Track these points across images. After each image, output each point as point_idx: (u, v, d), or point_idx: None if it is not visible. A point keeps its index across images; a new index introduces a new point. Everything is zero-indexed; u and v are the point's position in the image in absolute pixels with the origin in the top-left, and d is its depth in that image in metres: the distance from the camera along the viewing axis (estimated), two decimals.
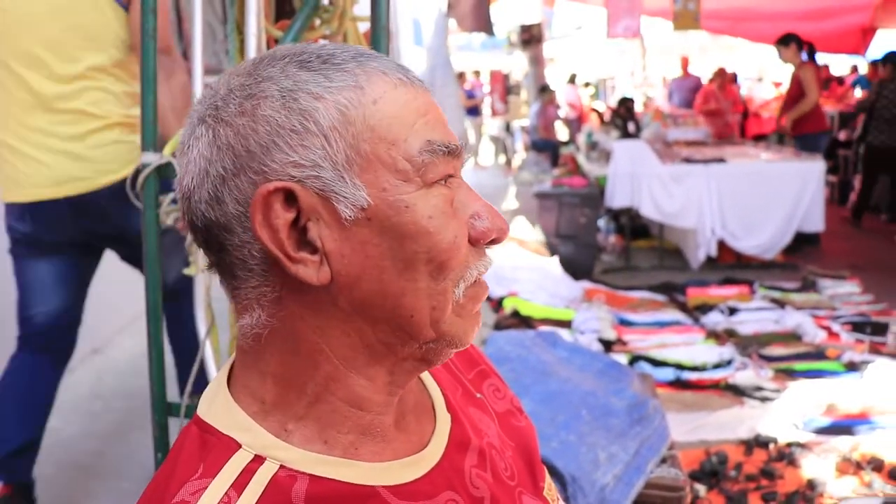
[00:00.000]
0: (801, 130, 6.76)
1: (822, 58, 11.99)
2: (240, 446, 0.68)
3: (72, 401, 3.67)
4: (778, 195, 5.81)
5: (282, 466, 0.67)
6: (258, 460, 0.67)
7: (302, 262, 0.66)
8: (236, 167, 0.66)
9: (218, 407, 0.72)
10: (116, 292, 4.47)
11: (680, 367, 3.82)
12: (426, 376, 0.85)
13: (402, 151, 0.67)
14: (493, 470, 0.81)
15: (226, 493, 0.64)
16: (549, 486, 0.90)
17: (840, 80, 12.09)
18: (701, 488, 2.74)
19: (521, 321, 4.43)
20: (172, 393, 1.70)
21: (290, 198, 0.65)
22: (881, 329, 4.25)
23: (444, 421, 0.81)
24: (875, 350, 4.02)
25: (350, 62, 0.68)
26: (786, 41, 6.77)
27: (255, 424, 0.70)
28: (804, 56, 6.87)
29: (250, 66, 0.70)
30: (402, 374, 0.74)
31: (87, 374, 3.97)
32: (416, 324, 0.69)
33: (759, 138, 8.99)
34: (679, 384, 3.71)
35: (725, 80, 10.24)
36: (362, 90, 0.67)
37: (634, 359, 3.92)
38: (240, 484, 0.65)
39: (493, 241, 0.73)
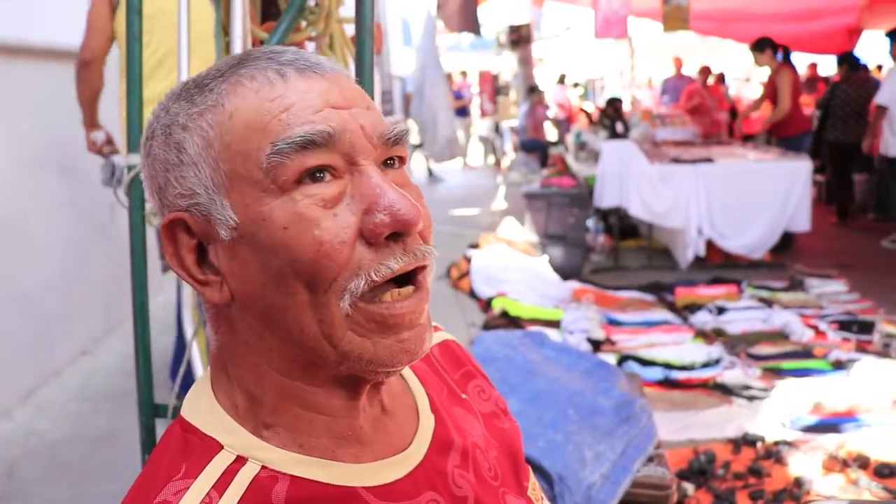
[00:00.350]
0: (783, 133, 6.79)
1: (810, 58, 12.09)
2: (222, 447, 0.68)
3: (60, 403, 3.65)
4: (766, 195, 5.84)
5: (263, 467, 0.68)
6: (240, 461, 0.68)
7: (208, 283, 0.69)
8: (157, 202, 0.72)
9: (200, 408, 0.72)
10: (105, 294, 4.46)
11: (668, 366, 3.84)
12: (410, 376, 0.85)
13: (254, 162, 0.65)
14: (477, 470, 0.81)
15: (207, 494, 0.65)
16: (534, 486, 0.90)
17: (826, 80, 12.15)
18: (689, 487, 2.76)
19: (510, 321, 4.44)
20: (160, 395, 1.70)
21: (189, 226, 0.69)
22: (868, 328, 4.28)
23: (427, 421, 0.80)
24: (861, 349, 4.05)
25: (217, 79, 0.68)
26: (761, 46, 6.76)
27: (236, 426, 0.70)
28: (780, 58, 6.90)
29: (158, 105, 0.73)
30: (350, 383, 0.71)
31: (75, 376, 3.96)
32: (309, 339, 0.66)
33: (747, 138, 9.00)
34: (667, 383, 3.72)
35: (709, 77, 10.26)
36: (222, 108, 0.66)
37: (623, 358, 3.93)
38: (222, 484, 0.66)
39: (399, 234, 0.66)
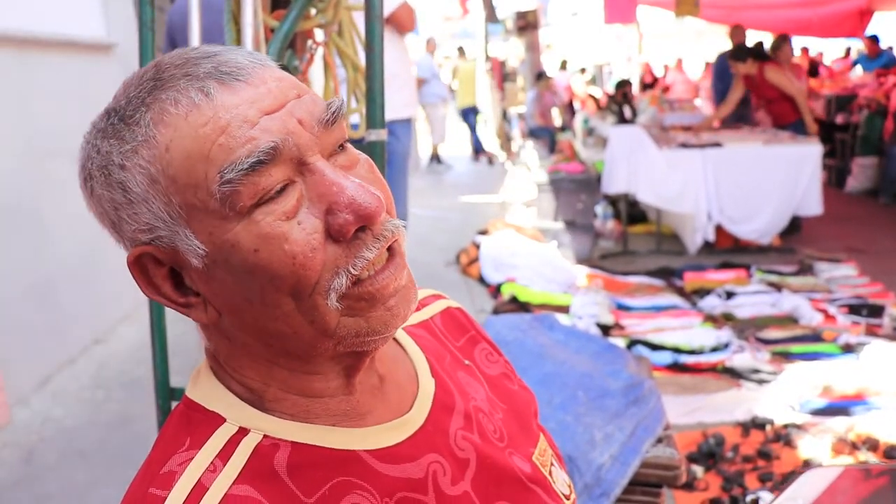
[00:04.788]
0: (784, 121, 6.75)
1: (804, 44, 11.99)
2: (224, 420, 0.71)
3: (74, 390, 3.70)
4: (775, 179, 5.81)
5: (265, 436, 0.70)
6: (242, 432, 0.70)
7: (191, 305, 0.70)
8: (114, 235, 0.71)
9: (202, 386, 0.75)
10: (117, 282, 4.50)
11: (677, 350, 3.85)
12: (409, 343, 0.86)
13: (205, 191, 0.63)
14: (481, 431, 0.82)
15: (212, 462, 0.67)
16: (542, 453, 0.90)
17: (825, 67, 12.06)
18: (698, 469, 2.77)
19: (519, 307, 4.46)
20: (175, 379, 1.72)
21: (156, 257, 0.68)
22: (877, 311, 4.28)
23: (427, 386, 0.82)
24: (871, 332, 4.05)
25: (140, 109, 0.65)
26: (741, 56, 6.60)
27: (238, 401, 0.72)
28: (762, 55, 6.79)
29: (83, 139, 0.71)
30: (348, 360, 0.73)
31: (88, 363, 4.00)
32: (304, 338, 0.68)
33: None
34: (677, 367, 3.74)
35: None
36: (155, 141, 0.64)
37: (632, 343, 3.95)
38: (225, 454, 0.68)
39: (365, 227, 0.66)
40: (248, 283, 0.65)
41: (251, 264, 0.64)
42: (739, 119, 7.33)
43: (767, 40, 7.57)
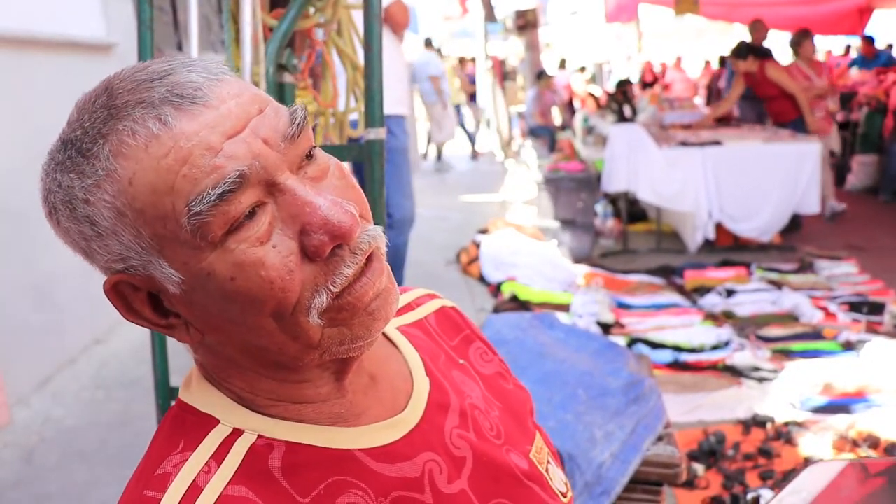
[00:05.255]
0: (784, 119, 6.75)
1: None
2: (218, 422, 0.71)
3: (74, 390, 3.70)
4: (775, 177, 5.81)
5: (259, 436, 0.70)
6: (236, 433, 0.70)
7: (173, 326, 0.70)
8: (88, 261, 0.70)
9: (195, 389, 0.74)
10: None
11: (678, 348, 3.85)
12: (403, 343, 0.86)
13: (174, 223, 0.62)
14: (477, 429, 0.82)
15: (206, 464, 0.67)
16: (539, 450, 0.90)
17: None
18: (699, 467, 2.77)
19: (520, 305, 4.45)
20: (175, 379, 1.72)
21: (133, 283, 0.68)
22: (878, 309, 4.28)
23: (422, 384, 0.82)
24: (872, 330, 4.05)
25: (98, 141, 0.63)
26: (742, 54, 6.60)
27: (231, 402, 0.72)
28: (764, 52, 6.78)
29: (42, 171, 0.69)
30: (336, 366, 0.73)
31: (89, 363, 4.00)
32: (289, 353, 0.68)
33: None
34: (677, 366, 3.73)
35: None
36: (116, 175, 0.62)
37: (633, 341, 3.95)
38: (219, 455, 0.68)
39: (341, 245, 0.65)
40: (228, 308, 0.65)
41: (229, 291, 0.63)
42: (758, 119, 7.21)
43: (784, 37, 7.51)
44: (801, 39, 6.79)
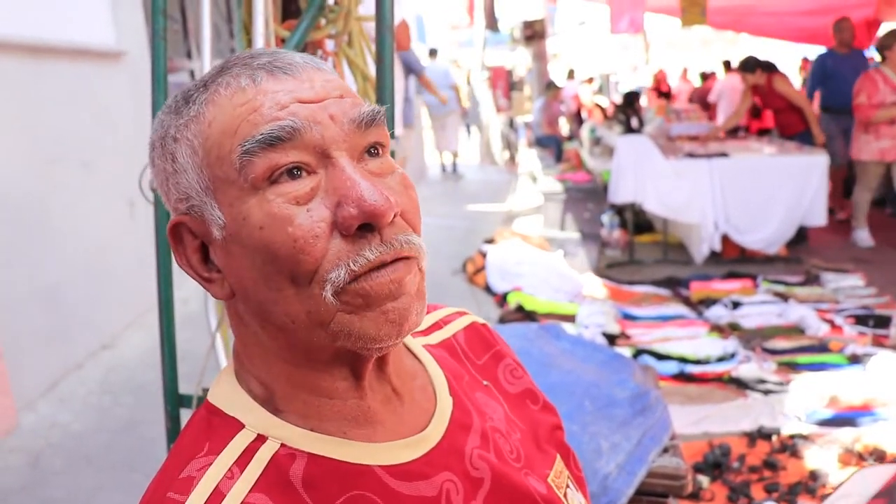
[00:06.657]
0: (791, 131, 6.74)
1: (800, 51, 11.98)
2: (243, 426, 0.72)
3: (81, 396, 3.71)
4: (781, 189, 5.81)
5: (282, 445, 0.71)
6: (260, 439, 0.71)
7: (212, 280, 0.74)
8: (169, 208, 0.76)
9: (223, 391, 0.76)
10: (125, 287, 4.52)
11: (684, 360, 3.85)
12: (428, 360, 0.86)
13: (229, 163, 0.68)
14: (497, 451, 0.82)
15: (229, 469, 0.68)
16: (558, 474, 0.90)
17: None
18: (704, 480, 2.77)
19: (526, 316, 4.46)
20: (184, 385, 1.73)
21: (190, 228, 0.73)
22: (884, 322, 4.27)
23: (445, 403, 0.82)
24: (878, 343, 4.04)
25: (200, 90, 0.71)
26: (750, 67, 6.56)
27: (257, 406, 0.73)
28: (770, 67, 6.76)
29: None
30: (350, 361, 0.73)
31: (96, 369, 4.01)
32: (301, 329, 0.69)
33: (763, 133, 8.91)
34: (683, 377, 3.73)
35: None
36: (203, 117, 0.70)
37: (638, 353, 3.95)
38: (243, 461, 0.69)
39: (371, 225, 0.66)
40: (254, 260, 0.68)
41: (257, 240, 0.67)
42: (844, 135, 6.74)
43: (788, 49, 7.52)
44: (892, 41, 5.89)
